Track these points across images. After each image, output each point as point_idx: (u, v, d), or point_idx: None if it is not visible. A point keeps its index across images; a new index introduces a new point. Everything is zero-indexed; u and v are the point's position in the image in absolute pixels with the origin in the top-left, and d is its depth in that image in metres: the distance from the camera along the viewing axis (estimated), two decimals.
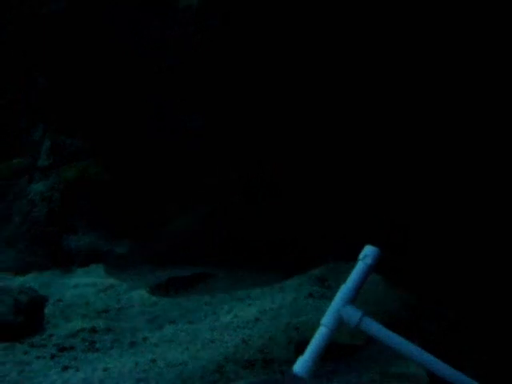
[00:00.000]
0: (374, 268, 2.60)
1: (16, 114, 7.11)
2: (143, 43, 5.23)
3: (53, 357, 3.84)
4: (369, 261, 2.56)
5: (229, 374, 3.54)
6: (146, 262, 3.40)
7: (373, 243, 2.68)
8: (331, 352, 2.50)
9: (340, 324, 2.49)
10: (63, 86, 6.58)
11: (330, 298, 3.98)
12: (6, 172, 6.54)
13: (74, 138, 6.43)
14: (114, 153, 6.07)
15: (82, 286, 4.67)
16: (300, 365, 2.45)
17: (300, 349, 2.55)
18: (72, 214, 5.95)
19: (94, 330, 4.18)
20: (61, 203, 5.97)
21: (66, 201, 6.01)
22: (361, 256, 2.57)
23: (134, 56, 5.87)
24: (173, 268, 3.30)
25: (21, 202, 6.18)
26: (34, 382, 3.55)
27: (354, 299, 2.51)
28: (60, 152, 6.42)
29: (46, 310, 4.45)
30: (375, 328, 2.50)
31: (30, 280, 5.26)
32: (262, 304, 4.51)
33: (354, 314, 2.44)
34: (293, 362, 3.52)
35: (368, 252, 2.56)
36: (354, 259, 2.96)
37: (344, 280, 2.46)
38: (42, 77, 6.65)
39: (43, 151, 6.46)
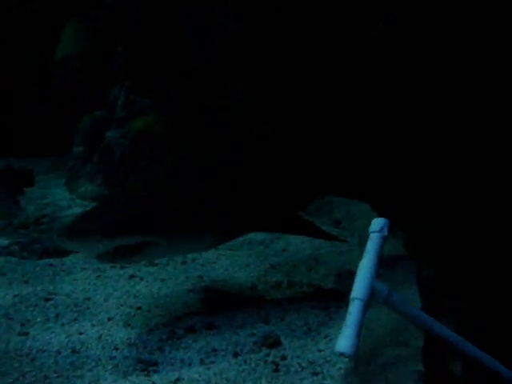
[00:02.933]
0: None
1: (97, 76, 7.28)
2: None
3: (122, 267, 4.04)
4: (385, 233, 2.29)
5: (260, 292, 3.69)
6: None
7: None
8: None
9: (372, 297, 2.19)
10: (139, 57, 6.73)
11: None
12: (88, 122, 6.73)
13: (144, 96, 6.58)
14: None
15: None
16: (343, 343, 2.13)
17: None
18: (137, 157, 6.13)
19: None
20: (129, 149, 6.15)
21: (133, 147, 6.18)
22: (374, 229, 2.30)
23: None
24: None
25: (99, 146, 6.37)
26: (108, 285, 3.78)
27: (377, 273, 2.23)
28: (132, 107, 6.58)
29: None
30: (401, 303, 2.26)
31: None
32: (286, 239, 4.66)
33: (382, 289, 2.18)
34: (312, 284, 3.69)
35: (382, 224, 2.30)
36: None
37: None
38: (122, 47, 6.81)
39: (118, 106, 6.62)
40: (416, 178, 4.63)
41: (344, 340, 2.12)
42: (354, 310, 2.17)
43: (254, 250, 4.54)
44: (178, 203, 3.09)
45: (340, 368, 2.60)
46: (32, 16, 7.76)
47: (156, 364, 2.73)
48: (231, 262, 4.22)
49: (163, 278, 3.89)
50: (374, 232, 2.32)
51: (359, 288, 2.20)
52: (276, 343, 2.86)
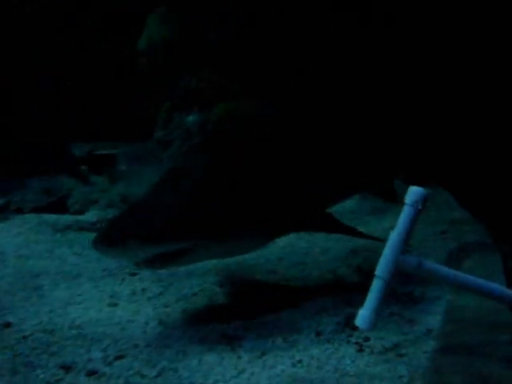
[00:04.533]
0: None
1: (181, 62, 7.43)
2: None
3: None
4: (419, 206, 2.13)
5: (342, 276, 3.70)
6: None
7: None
8: None
9: (396, 273, 2.16)
10: (224, 43, 6.81)
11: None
12: (170, 107, 6.88)
13: (227, 83, 6.67)
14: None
15: None
16: (361, 319, 2.18)
17: None
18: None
19: None
20: (212, 133, 6.24)
21: (216, 131, 6.27)
22: (408, 200, 2.14)
23: None
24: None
25: (180, 130, 6.51)
26: None
27: (406, 246, 2.16)
28: (214, 93, 6.68)
29: None
30: (436, 270, 2.19)
31: None
32: (364, 224, 4.63)
33: (410, 262, 2.13)
34: None
35: (417, 196, 2.12)
36: None
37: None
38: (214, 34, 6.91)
39: (201, 91, 6.74)
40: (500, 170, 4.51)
41: (362, 315, 2.17)
42: (374, 287, 2.18)
43: (331, 234, 4.53)
44: (227, 201, 2.94)
45: (425, 352, 2.57)
46: None
47: (240, 339, 2.78)
48: (310, 246, 4.24)
49: (239, 261, 3.95)
50: (407, 204, 2.16)
51: (383, 265, 2.17)
52: None
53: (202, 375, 2.42)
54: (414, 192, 2.16)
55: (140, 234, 2.67)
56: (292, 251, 4.14)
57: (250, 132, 3.47)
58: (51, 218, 4.71)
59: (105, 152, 7.24)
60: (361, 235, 3.43)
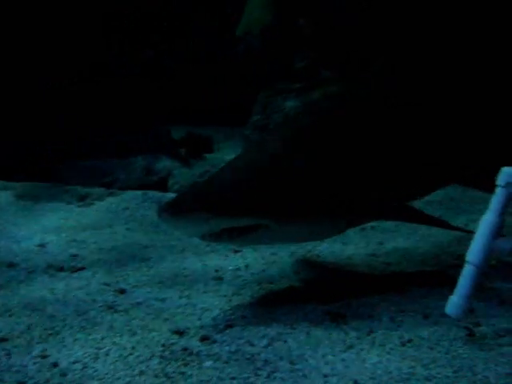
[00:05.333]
0: None
1: (278, 48, 7.47)
2: None
3: None
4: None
5: (444, 263, 3.63)
6: None
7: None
8: None
9: (489, 259, 2.09)
10: (322, 29, 6.80)
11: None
12: (268, 92, 6.95)
13: (325, 68, 6.66)
14: None
15: None
16: (451, 306, 2.12)
17: None
18: None
19: None
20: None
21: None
22: (501, 181, 2.04)
23: None
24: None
25: (278, 115, 6.56)
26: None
27: (500, 230, 2.07)
28: (312, 78, 6.69)
29: None
30: None
31: None
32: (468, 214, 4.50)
33: (505, 247, 2.06)
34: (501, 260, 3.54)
35: (510, 177, 2.02)
36: None
37: None
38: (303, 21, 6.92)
39: (298, 76, 6.77)
40: None
41: (452, 302, 2.09)
42: (465, 273, 2.09)
43: None
44: (303, 182, 2.80)
45: None
46: None
47: (344, 317, 2.79)
48: (412, 232, 4.18)
49: (344, 242, 3.95)
50: (499, 186, 2.04)
51: (474, 251, 2.08)
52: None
53: (311, 348, 2.45)
54: (506, 173, 2.06)
55: (206, 207, 2.59)
56: (392, 236, 4.09)
57: (341, 114, 3.20)
58: (156, 195, 4.89)
59: (199, 135, 7.41)
60: (450, 227, 3.22)
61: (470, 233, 3.15)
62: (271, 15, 7.70)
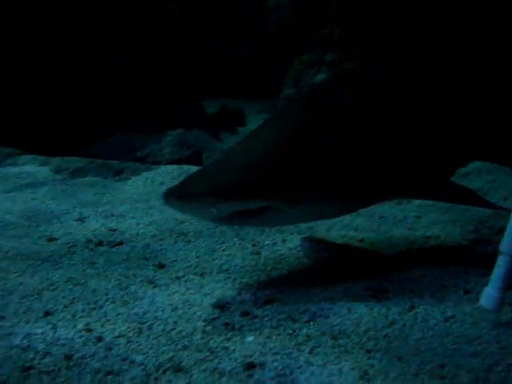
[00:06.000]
0: None
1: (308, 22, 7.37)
2: None
3: None
4: None
5: (483, 236, 3.58)
6: None
7: None
8: None
9: None
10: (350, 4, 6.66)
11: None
12: (298, 65, 6.87)
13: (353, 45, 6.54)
14: None
15: None
16: (487, 299, 2.08)
17: None
18: None
19: None
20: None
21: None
22: None
23: None
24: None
25: (309, 89, 6.49)
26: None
27: None
28: (342, 52, 6.59)
29: None
30: None
31: None
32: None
33: None
34: None
35: None
36: None
37: None
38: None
39: (329, 51, 6.67)
40: None
41: (488, 294, 2.05)
42: (500, 264, 2.04)
43: None
44: (306, 161, 2.71)
45: None
46: None
47: (387, 291, 2.77)
48: (450, 206, 4.11)
49: (382, 215, 3.91)
50: None
51: (509, 240, 2.05)
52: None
53: (353, 323, 2.44)
54: None
55: (214, 190, 2.53)
56: (430, 210, 4.04)
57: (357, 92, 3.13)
58: (190, 169, 4.88)
59: (233, 109, 7.39)
60: (486, 204, 3.09)
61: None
62: None
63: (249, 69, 7.95)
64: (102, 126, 6.12)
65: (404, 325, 2.40)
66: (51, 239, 3.53)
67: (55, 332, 2.40)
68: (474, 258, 3.15)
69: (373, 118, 2.97)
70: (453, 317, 2.45)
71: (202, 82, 7.07)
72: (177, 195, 2.57)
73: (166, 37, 6.61)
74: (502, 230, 3.57)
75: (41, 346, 2.27)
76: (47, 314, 2.57)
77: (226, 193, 2.53)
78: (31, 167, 5.11)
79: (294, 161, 2.70)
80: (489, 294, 2.14)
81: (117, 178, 4.91)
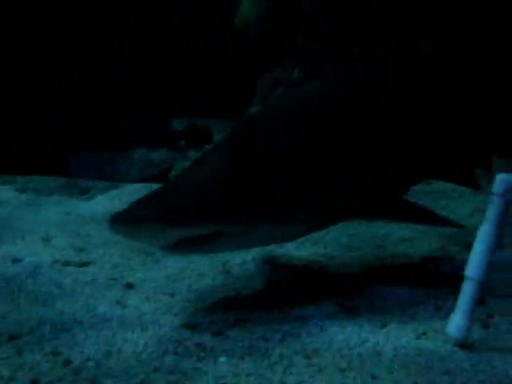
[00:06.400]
0: None
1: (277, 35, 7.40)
2: None
3: None
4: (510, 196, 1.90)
5: (451, 253, 3.61)
6: None
7: None
8: None
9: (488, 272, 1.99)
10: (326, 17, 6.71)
11: None
12: (267, 81, 6.88)
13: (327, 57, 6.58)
14: None
15: None
16: (453, 326, 2.02)
17: None
18: None
19: None
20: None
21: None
22: (498, 189, 1.94)
23: None
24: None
25: None
26: None
27: (498, 242, 1.99)
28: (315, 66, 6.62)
29: None
30: None
31: None
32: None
33: (506, 258, 2.00)
34: None
35: (508, 185, 1.90)
36: None
37: None
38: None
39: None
40: None
41: (454, 321, 1.98)
42: (466, 290, 1.99)
43: None
44: (259, 182, 2.58)
45: None
46: None
47: (358, 309, 2.77)
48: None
49: (350, 233, 3.93)
50: (496, 194, 1.92)
51: (473, 265, 1.98)
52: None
53: (326, 342, 2.42)
54: (503, 180, 1.94)
55: (162, 215, 2.38)
56: (399, 227, 4.06)
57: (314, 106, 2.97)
58: None
59: (200, 127, 7.35)
60: (444, 222, 2.99)
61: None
62: (268, 3, 7.62)
63: (218, 87, 7.93)
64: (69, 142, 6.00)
65: (377, 343, 2.39)
66: (16, 260, 3.44)
67: (21, 356, 2.32)
68: (442, 274, 3.17)
69: (327, 133, 2.83)
70: (424, 334, 2.46)
71: (168, 99, 7.04)
72: (122, 220, 2.43)
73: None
74: (469, 246, 3.64)
75: (5, 372, 2.18)
76: (12, 337, 2.48)
77: (174, 218, 2.40)
78: None
79: (245, 182, 2.56)
80: (456, 322, 2.11)
81: (84, 196, 4.82)
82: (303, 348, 2.38)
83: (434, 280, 3.10)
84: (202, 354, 2.33)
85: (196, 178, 2.63)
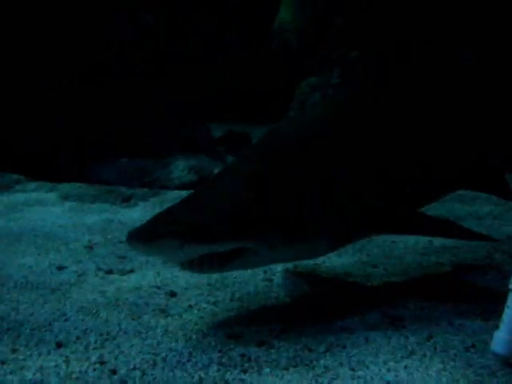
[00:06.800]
0: None
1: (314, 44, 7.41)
2: None
3: None
4: None
5: (497, 261, 3.53)
6: None
7: None
8: None
9: None
10: (358, 27, 6.69)
11: None
12: (304, 88, 6.89)
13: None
14: None
15: None
16: (497, 342, 1.98)
17: None
18: None
19: None
20: None
21: None
22: None
23: None
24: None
25: None
26: None
27: None
28: (348, 74, 6.61)
29: None
30: None
31: None
32: None
33: None
34: None
35: None
36: None
37: None
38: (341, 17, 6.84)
39: (334, 73, 6.69)
40: None
41: (499, 339, 1.93)
42: (511, 304, 1.94)
43: (483, 219, 4.36)
44: (282, 199, 2.52)
45: None
46: None
47: (403, 319, 2.72)
48: None
49: (393, 240, 3.87)
50: None
51: None
52: None
53: (371, 353, 2.38)
54: None
55: (180, 231, 2.31)
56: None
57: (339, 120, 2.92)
58: None
59: (239, 132, 7.39)
60: (472, 236, 2.93)
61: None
62: (306, 12, 7.64)
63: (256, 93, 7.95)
64: (105, 146, 6.07)
65: (424, 355, 2.35)
66: (60, 267, 3.49)
67: (68, 365, 2.35)
68: (488, 284, 3.10)
69: (349, 144, 2.77)
70: (473, 346, 2.40)
71: (207, 105, 7.09)
72: (140, 237, 2.36)
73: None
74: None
75: (55, 381, 2.22)
76: (59, 345, 2.52)
77: (194, 233, 2.32)
78: (39, 194, 5.09)
79: (267, 197, 2.51)
80: (500, 339, 2.04)
81: (125, 204, 4.88)
82: (348, 359, 2.35)
83: (480, 290, 3.03)
84: (247, 365, 2.32)
85: (217, 193, 2.56)
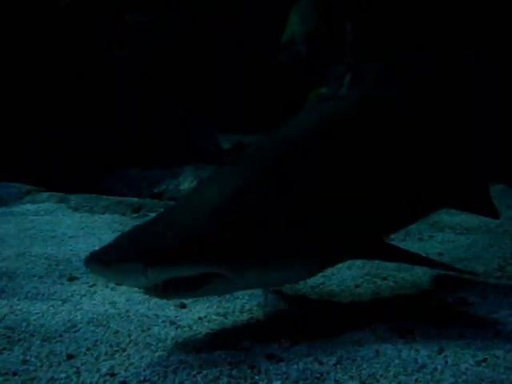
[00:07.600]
0: None
1: (323, 54, 7.42)
2: None
3: None
4: None
5: (509, 273, 3.52)
6: None
7: None
8: None
9: None
10: (366, 35, 6.72)
11: None
12: (314, 98, 6.90)
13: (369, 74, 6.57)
14: None
15: None
16: None
17: None
18: None
19: None
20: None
21: None
22: None
23: None
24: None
25: None
26: None
27: None
28: (357, 84, 6.62)
29: None
30: None
31: None
32: None
33: None
34: None
35: None
36: None
37: None
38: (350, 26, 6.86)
39: (345, 83, 6.70)
40: None
41: None
42: None
43: (493, 231, 4.34)
44: (256, 221, 2.40)
45: None
46: None
47: (413, 332, 2.71)
48: (472, 242, 4.07)
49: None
50: None
51: None
52: None
53: (382, 367, 2.38)
54: None
55: (143, 254, 2.18)
56: (453, 246, 3.99)
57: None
58: None
59: (247, 143, 7.39)
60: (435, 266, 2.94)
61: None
62: (314, 22, 7.67)
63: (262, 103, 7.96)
64: (115, 156, 6.11)
65: (435, 369, 2.34)
66: (71, 278, 3.51)
67: (79, 376, 2.36)
68: (501, 296, 3.08)
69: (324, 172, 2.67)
70: (485, 360, 2.39)
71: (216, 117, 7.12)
72: (100, 260, 2.21)
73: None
74: None
75: None
76: (70, 356, 2.53)
77: (158, 257, 2.19)
78: (49, 205, 5.13)
79: (241, 221, 2.38)
80: None
81: (135, 214, 4.90)
82: (359, 373, 2.34)
83: (492, 302, 3.01)
84: (257, 378, 2.32)
85: (187, 212, 2.44)
